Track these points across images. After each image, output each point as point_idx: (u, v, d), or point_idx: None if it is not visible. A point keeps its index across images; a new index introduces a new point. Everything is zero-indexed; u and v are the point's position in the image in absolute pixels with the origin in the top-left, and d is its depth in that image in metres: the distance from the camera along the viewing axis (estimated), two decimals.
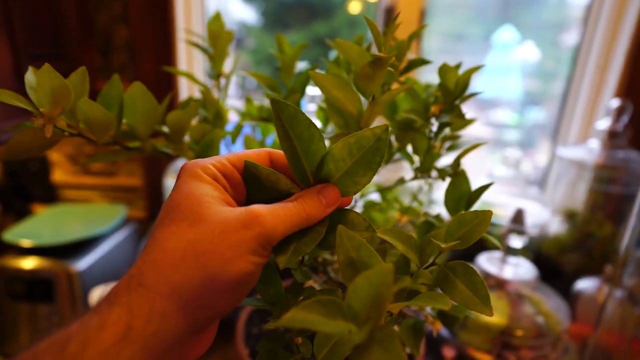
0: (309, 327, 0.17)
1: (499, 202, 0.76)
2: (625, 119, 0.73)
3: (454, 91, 0.38)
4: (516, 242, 0.55)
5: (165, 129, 0.40)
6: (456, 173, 0.38)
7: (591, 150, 0.74)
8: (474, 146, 0.39)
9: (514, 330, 0.53)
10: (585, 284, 0.69)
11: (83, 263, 0.66)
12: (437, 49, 1.28)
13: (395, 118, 0.40)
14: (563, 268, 0.79)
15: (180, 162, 0.74)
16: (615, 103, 0.72)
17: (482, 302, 0.24)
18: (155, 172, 0.81)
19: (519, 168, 0.76)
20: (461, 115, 0.38)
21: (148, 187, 0.82)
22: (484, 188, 0.36)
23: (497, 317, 0.53)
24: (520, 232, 0.54)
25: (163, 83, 0.75)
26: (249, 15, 1.49)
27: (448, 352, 0.56)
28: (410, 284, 0.25)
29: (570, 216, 0.79)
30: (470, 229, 0.26)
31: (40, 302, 0.64)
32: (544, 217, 0.75)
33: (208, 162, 0.24)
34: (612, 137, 0.73)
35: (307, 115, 0.24)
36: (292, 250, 0.24)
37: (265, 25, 1.21)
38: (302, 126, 0.24)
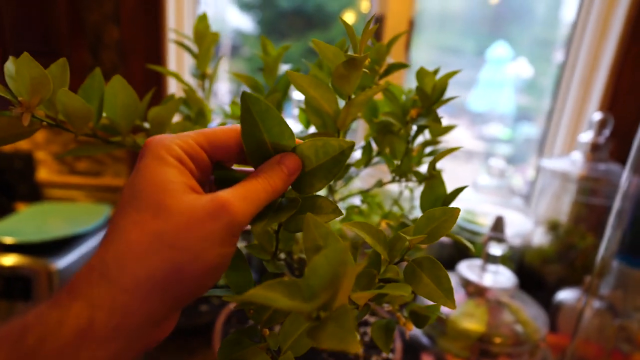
0: (268, 303, 0.18)
1: (482, 212, 0.76)
2: (607, 132, 0.74)
3: (431, 95, 0.39)
4: (496, 249, 0.55)
5: (146, 125, 0.40)
6: (432, 176, 0.39)
7: (574, 162, 0.75)
8: (450, 150, 0.39)
9: (492, 338, 0.53)
10: (565, 295, 0.69)
11: (63, 261, 0.65)
12: (428, 62, 1.30)
13: (373, 120, 0.40)
14: (545, 279, 0.80)
15: None
16: (597, 116, 0.73)
17: (445, 295, 0.25)
18: None
19: (503, 178, 0.77)
20: (437, 120, 0.38)
21: None
22: (458, 190, 0.37)
23: (475, 324, 0.53)
24: (500, 240, 0.55)
25: (152, 83, 0.76)
26: (245, 23, 1.50)
27: (427, 359, 0.56)
28: (363, 268, 0.25)
29: (553, 227, 0.80)
30: (438, 225, 0.26)
31: (18, 299, 0.64)
32: (527, 227, 0.76)
33: (173, 141, 0.23)
34: (594, 150, 0.75)
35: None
36: (268, 218, 0.24)
37: (261, 33, 1.22)
38: (273, 121, 0.25)
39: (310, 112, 0.39)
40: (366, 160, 0.45)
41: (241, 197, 0.22)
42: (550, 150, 0.97)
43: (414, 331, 0.60)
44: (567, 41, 0.94)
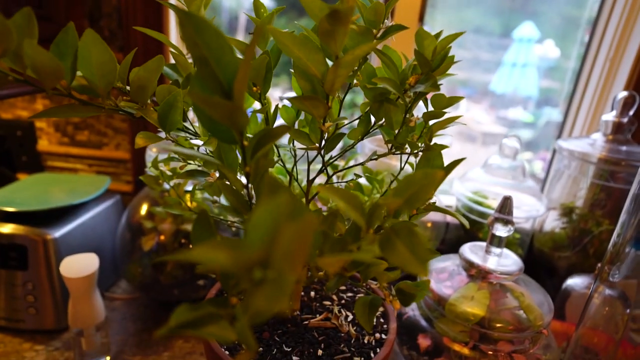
0: (203, 261, 0.16)
1: (493, 193, 0.73)
2: (631, 113, 0.69)
3: (431, 60, 0.36)
4: (501, 231, 0.52)
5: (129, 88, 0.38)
6: (428, 148, 0.36)
7: (594, 143, 0.71)
8: (450, 119, 0.36)
9: (492, 322, 0.50)
10: (575, 281, 0.66)
11: (60, 231, 0.65)
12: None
13: (367, 86, 0.38)
14: (556, 265, 0.76)
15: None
16: (622, 95, 0.68)
17: (419, 263, 0.22)
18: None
19: (516, 159, 0.73)
20: (436, 86, 0.35)
21: (134, 160, 0.81)
22: (455, 163, 0.34)
23: (475, 308, 0.51)
24: (506, 222, 0.52)
25: (153, 53, 0.74)
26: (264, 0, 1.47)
27: (423, 341, 0.54)
28: (319, 226, 0.23)
29: (567, 212, 0.76)
30: (418, 189, 0.24)
31: (15, 268, 0.64)
32: (539, 211, 0.72)
33: None
34: (616, 131, 0.70)
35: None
36: None
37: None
38: (210, 36, 0.23)
39: (298, 76, 0.36)
40: (363, 132, 0.43)
41: None
42: (570, 132, 0.92)
43: (412, 313, 0.58)
44: (594, 19, 0.88)
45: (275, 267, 0.16)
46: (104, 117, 0.83)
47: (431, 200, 0.39)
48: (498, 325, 0.50)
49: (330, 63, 0.32)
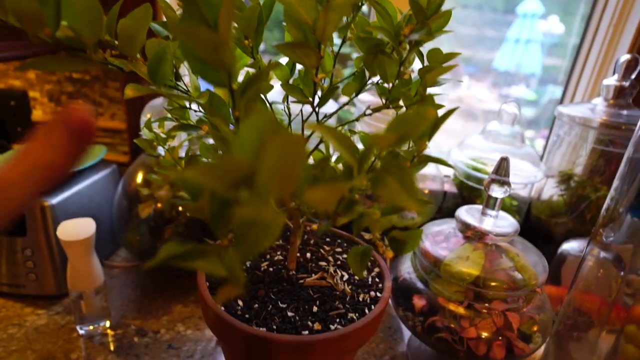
0: (190, 181, 0.15)
1: (491, 160, 0.73)
2: (633, 77, 0.68)
3: (426, 8, 0.35)
4: (497, 192, 0.52)
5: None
6: (423, 98, 0.35)
7: (594, 108, 0.70)
8: (444, 69, 0.36)
9: (487, 282, 0.51)
10: (571, 246, 0.66)
11: (57, 197, 0.65)
12: (454, 18, 1.21)
13: (361, 36, 0.37)
14: (553, 232, 0.76)
15: (156, 102, 0.72)
16: (625, 57, 0.67)
17: (409, 197, 0.22)
18: (137, 115, 0.79)
19: (515, 125, 0.73)
20: (430, 34, 0.34)
21: (130, 130, 0.80)
22: (448, 113, 0.33)
23: (470, 268, 0.51)
24: (503, 182, 0.52)
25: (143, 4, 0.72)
26: None
27: (418, 302, 0.55)
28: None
29: (565, 179, 0.76)
30: (411, 127, 0.23)
31: (14, 234, 0.64)
32: (537, 177, 0.72)
33: None
34: (618, 95, 0.69)
35: None
36: None
37: None
38: None
39: (290, 25, 0.35)
40: (358, 88, 0.42)
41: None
42: (571, 100, 0.90)
43: (408, 276, 0.58)
44: None
45: (261, 184, 0.16)
46: (98, 86, 0.82)
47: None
48: (493, 284, 0.51)
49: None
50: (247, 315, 0.43)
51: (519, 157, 0.72)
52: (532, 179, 0.71)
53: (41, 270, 0.66)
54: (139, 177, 0.70)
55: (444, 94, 0.50)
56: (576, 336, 0.58)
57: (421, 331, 0.54)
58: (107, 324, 0.64)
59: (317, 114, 0.43)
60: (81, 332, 0.62)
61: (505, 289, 0.51)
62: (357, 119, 0.43)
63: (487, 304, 0.51)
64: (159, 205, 0.69)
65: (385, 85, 0.40)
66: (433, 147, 0.81)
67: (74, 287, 0.58)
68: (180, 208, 0.70)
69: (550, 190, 0.78)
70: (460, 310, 0.52)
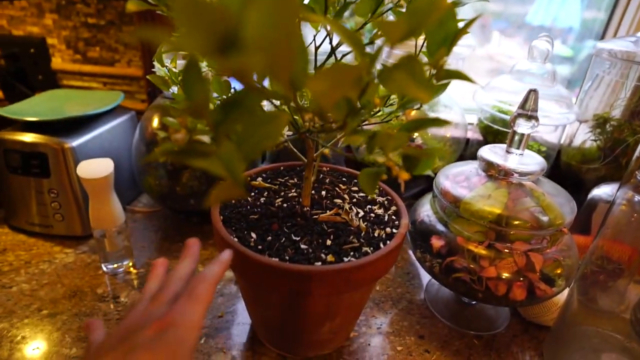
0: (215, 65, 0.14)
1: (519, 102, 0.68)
2: None
3: None
4: (524, 127, 0.49)
5: None
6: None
7: (637, 40, 0.64)
8: None
9: (510, 221, 0.49)
10: (604, 190, 0.63)
11: (77, 140, 0.66)
12: None
13: None
14: (584, 178, 0.72)
15: None
16: None
17: (420, 87, 0.20)
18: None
19: (547, 62, 0.67)
20: None
21: (146, 77, 0.79)
22: (470, 22, 0.30)
23: (492, 206, 0.49)
24: (530, 117, 0.48)
25: None
26: None
27: (436, 242, 0.53)
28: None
29: (601, 123, 0.71)
30: (422, 17, 0.21)
31: (39, 176, 0.66)
32: (569, 119, 0.67)
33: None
34: None
35: None
36: None
37: None
38: None
39: None
40: (374, 7, 0.39)
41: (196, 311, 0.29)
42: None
43: (426, 217, 0.57)
44: None
45: (249, 38, 0.14)
46: (113, 31, 0.81)
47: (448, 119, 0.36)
48: (516, 223, 0.49)
49: None
50: (260, 247, 0.42)
51: (550, 98, 0.67)
52: (563, 120, 0.66)
53: (66, 211, 0.68)
54: (155, 121, 0.69)
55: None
56: (603, 284, 0.55)
57: (439, 272, 0.53)
58: (130, 263, 0.66)
59: (330, 39, 0.40)
60: (106, 270, 0.64)
61: (529, 229, 0.49)
62: (371, 42, 0.40)
63: (509, 244, 0.49)
64: (176, 149, 0.69)
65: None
66: (457, 100, 0.77)
67: (96, 225, 0.60)
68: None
69: (583, 136, 0.73)
70: (480, 250, 0.50)
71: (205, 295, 0.30)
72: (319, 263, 0.40)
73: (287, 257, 0.41)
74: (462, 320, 0.60)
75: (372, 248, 0.43)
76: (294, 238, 0.44)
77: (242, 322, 0.57)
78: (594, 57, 0.72)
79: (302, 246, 0.43)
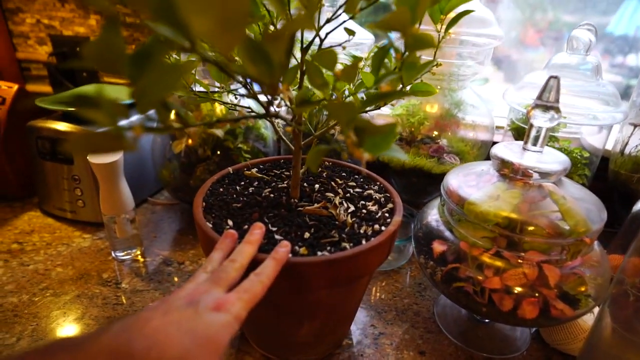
0: None
1: None
2: None
3: None
4: (541, 120, 0.43)
5: None
6: None
7: None
8: None
9: (523, 226, 0.43)
10: None
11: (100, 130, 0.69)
12: None
13: None
14: (635, 189, 0.63)
15: None
16: None
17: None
18: None
19: (588, 55, 0.59)
20: None
21: None
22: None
23: (498, 208, 0.43)
24: (548, 107, 0.42)
25: None
26: None
27: (437, 246, 0.48)
28: None
29: None
30: None
31: (63, 162, 0.70)
32: (615, 119, 0.58)
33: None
34: None
35: None
36: None
37: None
38: None
39: None
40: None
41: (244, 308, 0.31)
42: None
43: (433, 220, 0.52)
44: None
45: None
46: (147, 30, 0.85)
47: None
48: (529, 229, 0.42)
49: None
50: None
51: (592, 95, 0.59)
52: (608, 120, 0.58)
53: (88, 197, 0.71)
54: (172, 113, 0.71)
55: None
56: None
57: (440, 280, 0.48)
58: (138, 251, 0.67)
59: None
60: (114, 256, 0.66)
61: (545, 237, 0.42)
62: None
63: (518, 252, 0.43)
64: (190, 142, 0.70)
65: None
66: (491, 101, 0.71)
67: (106, 210, 0.62)
68: (212, 146, 0.71)
69: (637, 142, 0.64)
70: (485, 258, 0.44)
71: (259, 295, 0.32)
72: (290, 255, 0.38)
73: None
74: (472, 339, 0.53)
75: (352, 244, 0.40)
76: (271, 228, 0.41)
77: None
78: None
79: (277, 237, 0.40)
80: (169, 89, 0.21)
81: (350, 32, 0.38)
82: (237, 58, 0.38)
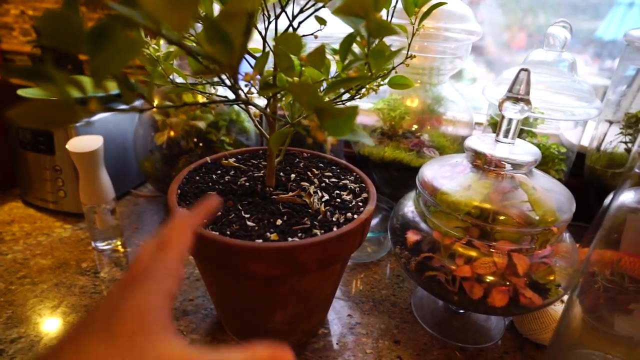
0: None
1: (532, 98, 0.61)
2: None
3: None
4: (511, 111, 0.44)
5: None
6: None
7: None
8: None
9: (494, 216, 0.43)
10: (628, 197, 0.54)
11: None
12: None
13: None
14: (609, 185, 0.64)
15: None
16: None
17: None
18: None
19: (563, 51, 0.60)
20: None
21: None
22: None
23: (469, 198, 0.44)
24: (518, 99, 0.43)
25: None
26: None
27: (411, 236, 0.49)
28: None
29: (633, 122, 0.62)
30: None
31: (45, 152, 0.70)
32: (590, 114, 0.59)
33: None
34: None
35: None
36: None
37: None
38: None
39: None
40: None
41: None
42: None
43: (409, 212, 0.52)
44: None
45: None
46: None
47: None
48: (500, 218, 0.43)
49: None
50: (204, 220, 0.41)
51: (568, 92, 0.60)
52: (583, 116, 0.59)
53: (69, 188, 0.71)
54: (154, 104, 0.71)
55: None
56: (623, 305, 0.48)
57: (413, 269, 0.48)
58: (119, 242, 0.67)
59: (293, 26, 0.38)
60: (95, 246, 0.66)
61: (516, 226, 0.43)
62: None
63: (489, 241, 0.44)
64: (172, 133, 0.70)
65: None
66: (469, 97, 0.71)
67: (85, 200, 0.61)
68: (195, 139, 0.71)
69: (614, 140, 0.65)
70: (458, 247, 0.45)
71: (173, 240, 0.25)
72: (260, 240, 0.38)
73: (228, 233, 0.39)
74: (447, 329, 0.54)
75: (323, 231, 0.40)
76: (244, 215, 0.42)
77: (212, 307, 0.55)
78: (625, 47, 0.63)
79: (249, 223, 0.41)
80: (125, 63, 0.21)
81: (322, 22, 0.39)
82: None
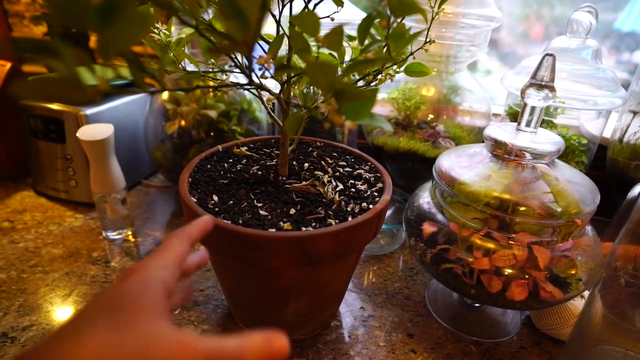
0: None
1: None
2: None
3: None
4: (534, 99, 0.42)
5: None
6: None
7: None
8: None
9: (515, 207, 0.42)
10: None
11: (92, 109, 0.68)
12: None
13: None
14: (631, 177, 0.62)
15: None
16: None
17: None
18: None
19: (588, 38, 0.58)
20: None
21: None
22: None
23: (489, 188, 0.42)
24: (542, 86, 0.41)
25: None
26: None
27: (427, 227, 0.47)
28: None
29: None
30: None
31: (55, 141, 0.69)
32: (614, 104, 0.57)
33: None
34: None
35: None
36: None
37: None
38: None
39: None
40: None
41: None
42: None
43: (425, 203, 0.51)
44: None
45: None
46: None
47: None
48: (521, 209, 0.42)
49: None
50: (217, 209, 0.40)
51: (591, 81, 0.58)
52: (607, 105, 0.56)
53: (81, 177, 0.71)
54: (165, 93, 0.70)
55: None
56: None
57: (429, 262, 0.47)
58: (129, 232, 0.67)
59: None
60: (105, 235, 0.65)
61: (537, 218, 0.41)
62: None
63: (509, 233, 0.42)
64: (183, 123, 0.69)
65: None
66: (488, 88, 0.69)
67: (96, 189, 0.61)
68: (206, 128, 0.70)
69: (636, 130, 0.63)
70: (475, 239, 0.44)
71: (169, 245, 0.27)
72: (273, 229, 0.37)
73: (240, 222, 0.38)
74: (462, 323, 0.53)
75: (337, 221, 0.39)
76: (257, 204, 0.41)
77: (222, 298, 0.55)
78: None
79: (262, 212, 0.40)
80: (135, 39, 0.20)
81: (339, 3, 0.37)
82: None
